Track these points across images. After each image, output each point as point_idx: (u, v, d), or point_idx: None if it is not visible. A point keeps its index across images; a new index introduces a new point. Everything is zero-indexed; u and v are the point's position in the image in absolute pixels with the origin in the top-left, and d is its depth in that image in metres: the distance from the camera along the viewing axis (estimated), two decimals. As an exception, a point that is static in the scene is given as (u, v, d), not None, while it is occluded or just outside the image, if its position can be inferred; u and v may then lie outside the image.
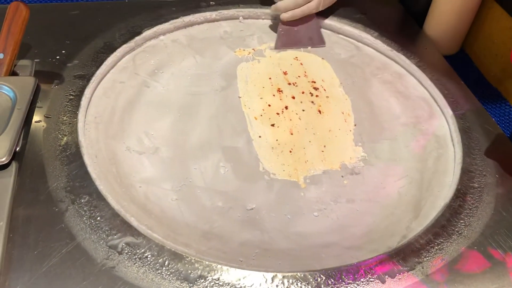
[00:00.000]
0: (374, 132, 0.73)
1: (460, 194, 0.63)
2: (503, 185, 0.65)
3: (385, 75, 0.83)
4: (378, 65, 0.85)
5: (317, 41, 0.87)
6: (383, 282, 0.53)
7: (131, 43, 0.80)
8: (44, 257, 0.52)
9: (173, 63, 0.80)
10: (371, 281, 0.53)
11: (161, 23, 0.84)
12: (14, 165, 0.59)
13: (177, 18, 0.86)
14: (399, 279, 0.53)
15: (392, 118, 0.75)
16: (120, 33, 0.81)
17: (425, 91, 0.80)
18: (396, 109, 0.77)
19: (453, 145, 0.71)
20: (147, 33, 0.82)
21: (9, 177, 0.58)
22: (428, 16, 0.92)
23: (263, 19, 0.91)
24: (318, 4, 0.85)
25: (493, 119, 0.75)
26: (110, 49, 0.78)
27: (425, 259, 0.56)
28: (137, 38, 0.81)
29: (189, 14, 0.86)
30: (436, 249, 0.57)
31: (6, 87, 0.66)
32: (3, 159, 0.58)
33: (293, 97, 0.76)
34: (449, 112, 0.75)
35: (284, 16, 0.85)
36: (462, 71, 0.83)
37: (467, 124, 0.73)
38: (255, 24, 0.90)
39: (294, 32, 0.86)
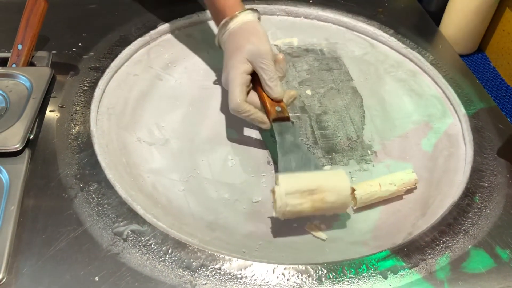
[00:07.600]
0: (385, 129, 0.72)
1: (469, 193, 0.62)
2: (514, 185, 0.64)
3: (399, 73, 0.82)
4: (392, 62, 0.84)
5: None
6: (385, 277, 0.53)
7: (146, 37, 0.81)
8: (51, 241, 0.53)
9: (187, 57, 0.81)
10: (373, 276, 0.53)
11: (176, 18, 0.85)
12: (27, 152, 0.61)
13: (192, 13, 0.86)
14: (401, 275, 0.53)
15: (404, 116, 0.75)
16: (136, 27, 0.82)
17: (439, 90, 0.79)
18: (409, 107, 0.76)
19: (465, 144, 0.70)
20: (162, 27, 0.83)
21: (22, 164, 0.59)
22: (445, 15, 0.91)
23: (277, 15, 0.91)
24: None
25: (508, 118, 0.73)
26: (126, 42, 0.79)
27: (429, 256, 0.55)
28: (152, 32, 0.82)
29: (204, 10, 0.87)
30: (441, 247, 0.56)
31: (23, 77, 0.68)
32: (17, 145, 0.59)
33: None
34: (461, 111, 0.74)
35: None
36: (478, 70, 0.82)
37: (480, 123, 0.72)
38: (270, 20, 0.90)
39: None
